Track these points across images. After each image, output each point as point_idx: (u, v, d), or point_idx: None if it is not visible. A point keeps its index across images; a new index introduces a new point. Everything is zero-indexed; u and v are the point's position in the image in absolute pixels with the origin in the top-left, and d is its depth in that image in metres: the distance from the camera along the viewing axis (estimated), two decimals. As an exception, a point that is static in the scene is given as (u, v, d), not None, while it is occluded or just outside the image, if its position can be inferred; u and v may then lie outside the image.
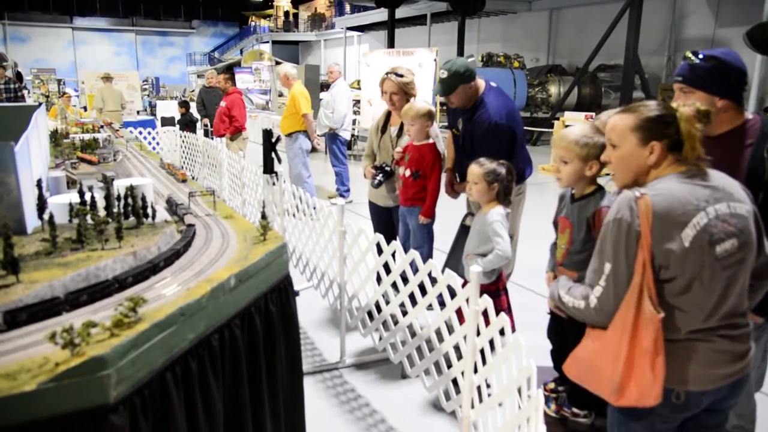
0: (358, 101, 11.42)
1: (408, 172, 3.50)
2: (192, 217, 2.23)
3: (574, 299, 1.74)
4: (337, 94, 7.64)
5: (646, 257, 1.54)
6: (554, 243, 2.53)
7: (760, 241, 1.67)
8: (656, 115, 1.65)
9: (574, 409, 2.69)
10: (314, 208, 3.50)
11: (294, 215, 3.87)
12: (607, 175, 2.42)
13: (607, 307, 1.63)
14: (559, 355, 2.69)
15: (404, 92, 3.65)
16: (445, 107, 11.74)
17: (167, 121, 10.61)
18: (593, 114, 10.77)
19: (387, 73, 3.70)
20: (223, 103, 7.72)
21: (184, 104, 10.75)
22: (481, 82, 3.27)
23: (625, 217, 1.57)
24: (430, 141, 3.50)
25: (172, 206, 2.42)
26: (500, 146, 3.13)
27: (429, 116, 3.43)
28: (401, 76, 3.64)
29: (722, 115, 2.02)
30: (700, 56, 2.01)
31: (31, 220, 2.00)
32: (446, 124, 3.85)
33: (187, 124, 9.70)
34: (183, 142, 6.57)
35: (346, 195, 7.80)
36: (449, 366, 2.34)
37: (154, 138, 6.88)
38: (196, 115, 9.87)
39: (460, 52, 17.46)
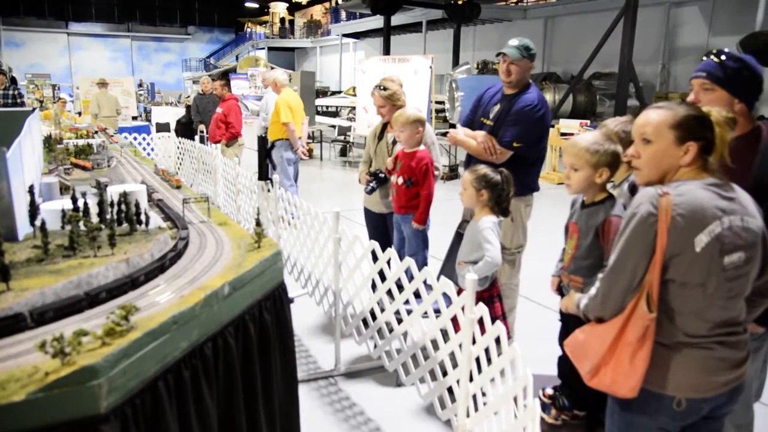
0: (354, 108, 11.41)
1: (401, 180, 3.49)
2: (159, 195, 2.19)
3: (588, 299, 1.76)
4: (270, 99, 7.42)
5: (658, 256, 1.54)
6: (564, 248, 2.53)
7: (766, 259, 1.67)
8: (696, 115, 1.63)
9: (575, 411, 2.67)
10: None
11: (289, 223, 3.86)
12: (612, 182, 2.40)
13: (606, 297, 1.67)
14: (567, 362, 2.67)
15: (390, 103, 3.74)
16: (442, 113, 11.77)
17: (162, 127, 10.57)
18: (588, 121, 10.81)
19: (374, 87, 3.81)
20: (219, 110, 7.70)
21: (187, 108, 10.88)
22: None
23: (644, 212, 1.56)
24: (422, 148, 3.50)
25: (147, 189, 2.40)
26: (533, 127, 3.21)
27: (419, 123, 3.44)
28: (385, 89, 3.75)
29: (738, 120, 1.95)
30: (723, 57, 1.95)
31: (23, 227, 1.99)
32: (445, 130, 3.84)
33: (185, 125, 9.58)
34: (178, 148, 6.54)
35: None
36: (445, 374, 2.33)
37: (149, 144, 6.85)
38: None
39: (456, 60, 17.52)
